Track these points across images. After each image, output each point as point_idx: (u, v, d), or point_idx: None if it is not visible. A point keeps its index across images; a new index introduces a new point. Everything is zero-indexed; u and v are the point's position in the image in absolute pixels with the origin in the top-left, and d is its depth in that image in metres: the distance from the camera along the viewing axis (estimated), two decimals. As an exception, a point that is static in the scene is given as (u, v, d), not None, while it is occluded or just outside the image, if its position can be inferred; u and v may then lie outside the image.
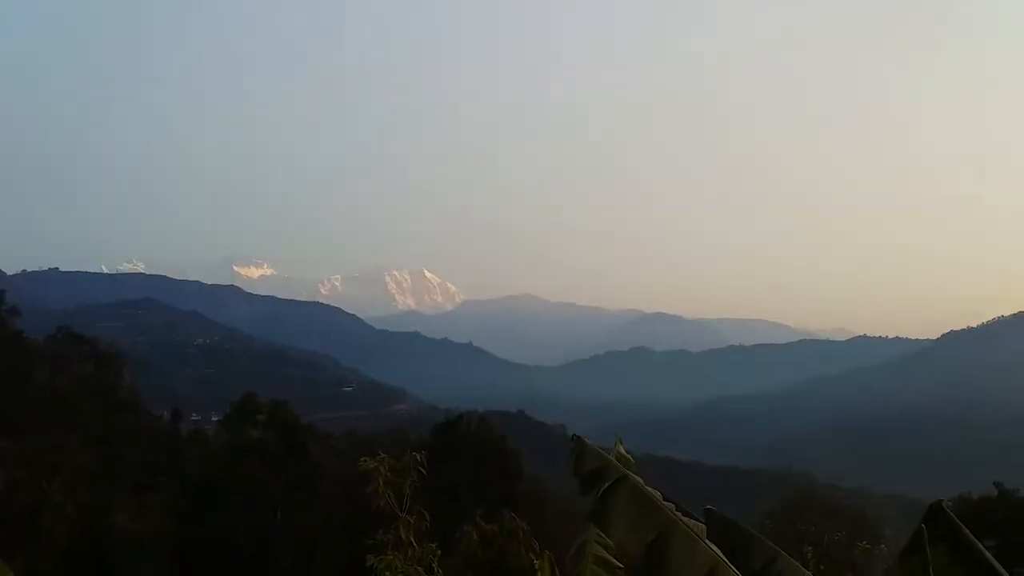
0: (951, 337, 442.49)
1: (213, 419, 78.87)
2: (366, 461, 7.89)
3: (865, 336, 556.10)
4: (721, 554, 4.74)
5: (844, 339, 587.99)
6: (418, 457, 7.99)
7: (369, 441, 48.41)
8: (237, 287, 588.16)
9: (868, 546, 24.89)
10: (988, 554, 5.06)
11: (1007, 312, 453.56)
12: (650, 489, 4.90)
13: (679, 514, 4.78)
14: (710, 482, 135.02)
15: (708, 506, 6.06)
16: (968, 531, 4.99)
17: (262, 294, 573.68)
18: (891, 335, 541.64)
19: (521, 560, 12.83)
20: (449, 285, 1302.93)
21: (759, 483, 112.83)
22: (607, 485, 4.73)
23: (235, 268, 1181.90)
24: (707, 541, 4.73)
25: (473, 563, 13.60)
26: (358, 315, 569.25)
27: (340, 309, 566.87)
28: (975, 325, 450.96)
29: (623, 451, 7.16)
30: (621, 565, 6.17)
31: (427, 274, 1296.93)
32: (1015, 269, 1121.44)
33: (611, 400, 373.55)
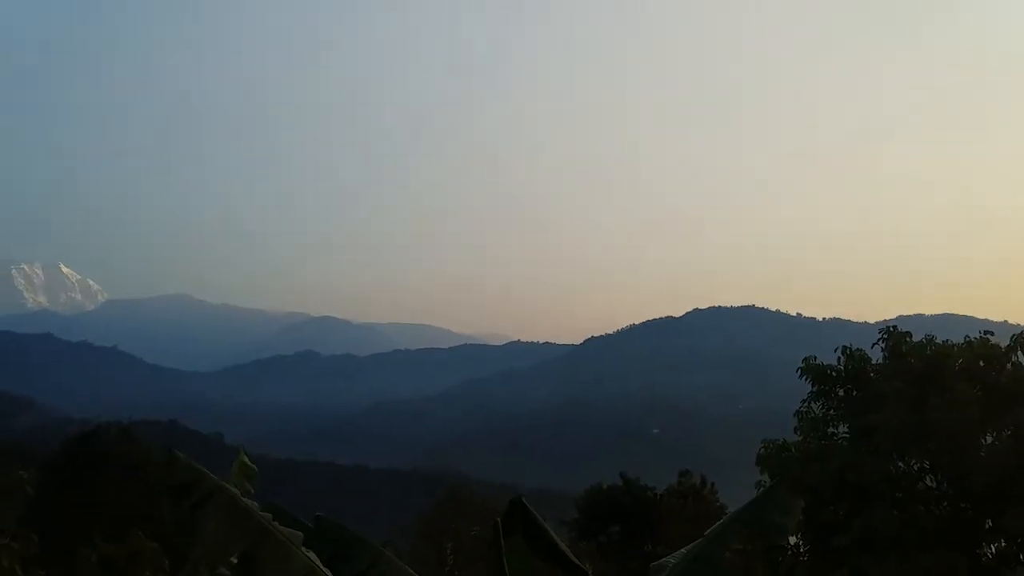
0: (591, 342, 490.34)
1: None
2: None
3: (519, 341, 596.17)
4: (318, 560, 4.80)
5: (500, 343, 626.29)
6: (24, 476, 7.13)
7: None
8: None
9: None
10: (560, 542, 5.64)
11: (638, 320, 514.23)
12: (247, 500, 4.83)
13: (276, 523, 4.76)
14: (372, 486, 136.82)
15: (318, 513, 6.08)
16: (542, 520, 5.52)
17: None
18: (542, 340, 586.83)
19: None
20: (90, 282, 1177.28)
21: (419, 485, 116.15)
22: (198, 498, 4.62)
23: None
24: (303, 548, 4.76)
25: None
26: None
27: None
28: (612, 331, 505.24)
29: (247, 461, 6.95)
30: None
31: (63, 269, 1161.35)
32: (643, 284, 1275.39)
33: (275, 406, 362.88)
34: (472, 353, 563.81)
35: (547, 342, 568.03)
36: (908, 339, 17.79)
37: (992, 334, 17.83)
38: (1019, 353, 17.11)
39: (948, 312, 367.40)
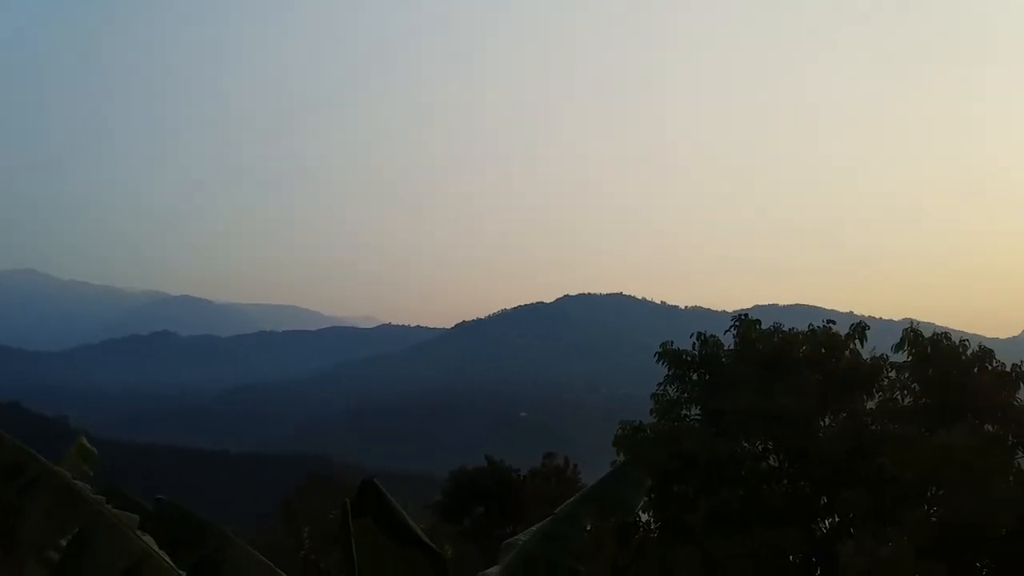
0: (463, 326, 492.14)
1: None
2: None
3: (390, 324, 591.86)
4: (154, 544, 4.65)
5: (371, 326, 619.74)
6: None
7: None
8: None
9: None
10: (412, 523, 5.66)
11: (509, 305, 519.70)
12: (79, 484, 4.62)
13: (110, 507, 4.57)
14: (235, 471, 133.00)
15: (159, 496, 5.88)
16: (394, 501, 5.52)
17: None
18: (413, 324, 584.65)
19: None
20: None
21: (284, 469, 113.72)
22: (26, 481, 4.39)
23: None
24: (139, 532, 4.59)
25: None
26: None
27: None
28: (483, 316, 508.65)
29: (86, 443, 6.62)
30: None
31: None
32: (515, 270, 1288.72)
33: (128, 388, 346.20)
34: (341, 336, 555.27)
35: (419, 326, 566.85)
36: (757, 326, 18.77)
37: (834, 323, 19.02)
38: (857, 341, 18.34)
39: (800, 303, 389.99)
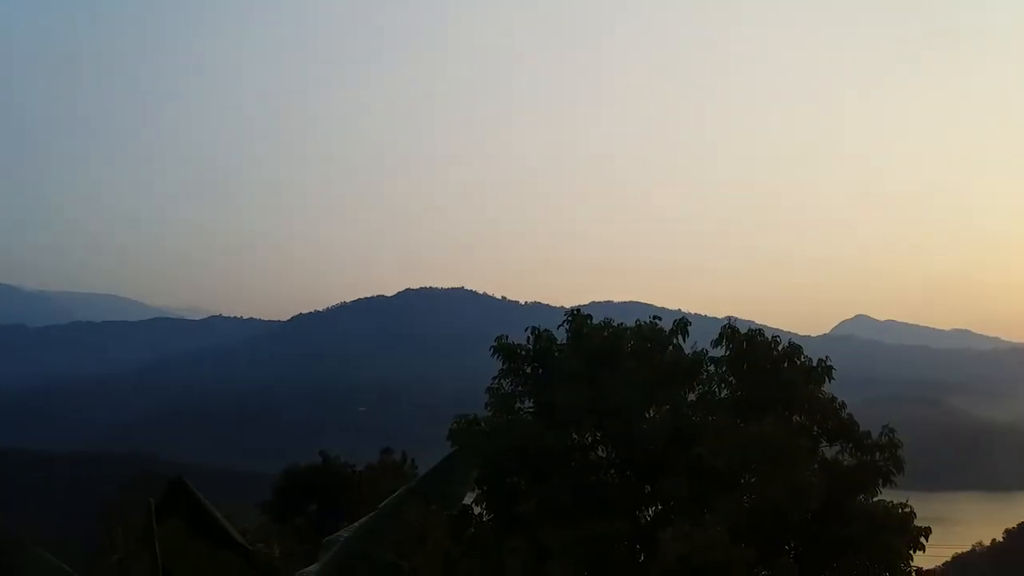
0: (300, 319, 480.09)
1: None
2: None
3: (221, 316, 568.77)
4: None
5: (200, 318, 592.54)
6: None
7: None
8: None
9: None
10: (225, 521, 5.42)
11: (349, 298, 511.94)
12: None
13: None
14: (51, 473, 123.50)
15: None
16: (206, 500, 5.27)
17: None
18: (246, 315, 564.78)
19: None
20: None
21: (106, 470, 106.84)
22: None
23: None
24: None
25: None
26: None
27: None
28: (321, 309, 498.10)
29: None
30: None
31: None
32: (357, 260, 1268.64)
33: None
34: (168, 328, 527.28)
35: (252, 318, 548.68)
36: (589, 321, 19.35)
37: (660, 319, 19.89)
38: (679, 336, 19.26)
39: (634, 300, 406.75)
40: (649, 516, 18.60)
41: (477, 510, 18.01)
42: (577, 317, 19.37)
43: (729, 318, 19.44)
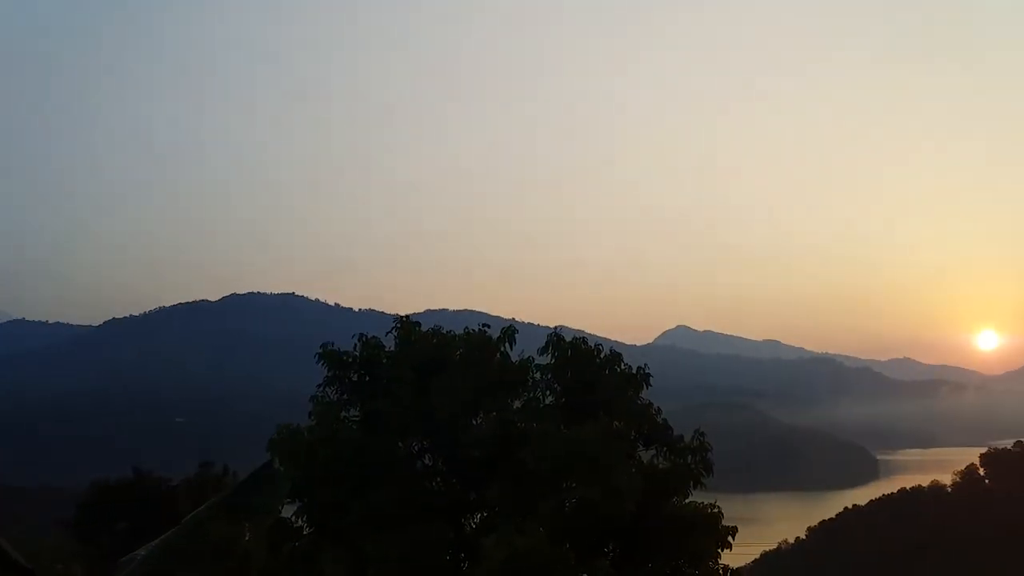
0: (113, 324, 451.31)
1: None
2: None
3: (22, 319, 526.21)
4: None
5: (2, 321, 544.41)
6: None
7: None
8: None
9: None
10: (2, 541, 4.99)
11: (168, 303, 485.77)
12: None
13: None
14: None
15: None
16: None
17: None
18: (51, 319, 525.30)
19: None
20: None
21: None
22: None
23: None
24: None
25: None
26: None
27: None
28: (137, 313, 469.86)
29: None
30: None
31: None
32: (179, 262, 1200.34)
33: None
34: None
35: (58, 322, 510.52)
36: (417, 329, 19.26)
37: (489, 327, 20.07)
38: (507, 344, 19.53)
39: (468, 308, 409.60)
40: (475, 523, 18.68)
41: (298, 523, 17.48)
42: (405, 324, 19.23)
43: (559, 327, 19.91)
